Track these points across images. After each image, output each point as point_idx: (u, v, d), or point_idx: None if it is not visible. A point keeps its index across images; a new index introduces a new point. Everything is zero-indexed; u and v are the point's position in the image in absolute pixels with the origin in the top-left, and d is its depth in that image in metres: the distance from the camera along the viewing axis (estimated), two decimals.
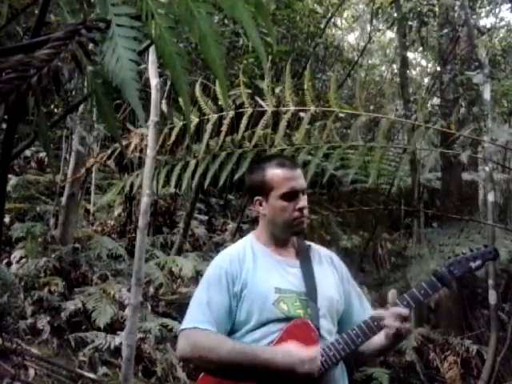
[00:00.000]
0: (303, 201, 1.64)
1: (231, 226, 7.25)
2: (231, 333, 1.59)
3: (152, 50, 2.65)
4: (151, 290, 4.81)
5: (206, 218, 7.32)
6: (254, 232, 1.75)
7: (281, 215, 1.64)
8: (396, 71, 9.47)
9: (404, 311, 1.51)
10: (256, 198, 1.69)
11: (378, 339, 1.59)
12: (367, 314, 1.66)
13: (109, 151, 3.91)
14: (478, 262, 1.63)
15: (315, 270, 1.66)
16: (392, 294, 1.56)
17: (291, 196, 1.63)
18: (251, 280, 1.58)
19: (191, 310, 1.60)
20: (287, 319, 1.55)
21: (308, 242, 1.78)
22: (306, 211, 1.65)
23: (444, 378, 4.83)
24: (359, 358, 1.89)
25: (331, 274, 1.71)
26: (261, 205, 1.68)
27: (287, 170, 1.65)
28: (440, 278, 1.59)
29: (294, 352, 1.47)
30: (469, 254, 1.64)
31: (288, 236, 1.70)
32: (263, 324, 1.55)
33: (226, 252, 1.69)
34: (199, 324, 1.53)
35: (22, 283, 4.29)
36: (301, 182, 1.66)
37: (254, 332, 1.55)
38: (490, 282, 4.19)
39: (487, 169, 4.39)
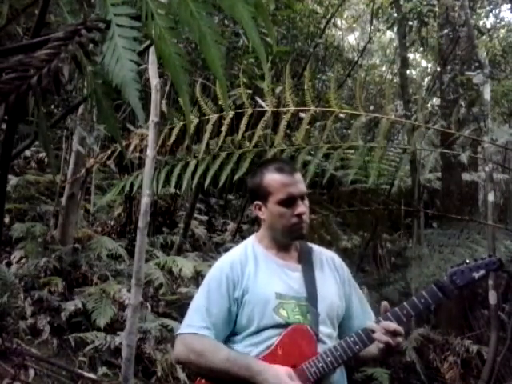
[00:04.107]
0: (302, 206, 1.61)
1: (231, 226, 7.25)
2: (231, 335, 1.60)
3: (152, 50, 2.65)
4: (151, 290, 4.81)
5: (206, 218, 7.32)
6: (256, 235, 1.75)
7: (279, 221, 1.63)
8: (396, 71, 9.46)
9: (393, 326, 1.49)
10: (255, 202, 1.68)
11: (372, 348, 1.58)
12: (368, 318, 1.66)
13: (109, 151, 3.91)
14: (482, 272, 1.58)
15: (316, 274, 1.66)
16: (384, 305, 1.56)
17: (289, 202, 1.60)
18: (252, 285, 1.58)
19: (190, 314, 1.61)
20: (286, 325, 1.55)
21: (310, 244, 1.77)
22: (305, 217, 1.62)
23: (444, 378, 4.82)
24: (355, 362, 1.88)
25: (332, 277, 1.71)
26: (260, 209, 1.67)
27: (285, 175, 1.62)
28: (441, 288, 1.56)
29: (282, 377, 1.47)
30: (472, 264, 1.59)
31: (288, 241, 1.69)
32: (263, 329, 1.55)
33: (228, 256, 1.69)
34: (197, 330, 1.55)
35: (22, 283, 4.29)
36: (299, 188, 1.63)
37: (253, 336, 1.56)
38: (490, 282, 4.18)
39: (487, 169, 4.38)
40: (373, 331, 1.51)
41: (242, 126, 3.16)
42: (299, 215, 1.61)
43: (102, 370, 3.79)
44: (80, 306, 4.18)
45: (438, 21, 6.53)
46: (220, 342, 1.57)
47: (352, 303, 1.73)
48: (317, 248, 1.78)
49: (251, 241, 1.72)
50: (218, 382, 1.55)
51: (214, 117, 3.21)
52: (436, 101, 7.78)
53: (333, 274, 1.72)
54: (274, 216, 1.63)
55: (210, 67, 0.80)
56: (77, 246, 5.00)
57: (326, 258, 1.75)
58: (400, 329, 1.51)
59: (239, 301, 1.57)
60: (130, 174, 3.93)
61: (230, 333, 1.60)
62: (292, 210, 1.61)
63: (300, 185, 1.64)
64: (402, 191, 6.69)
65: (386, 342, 1.48)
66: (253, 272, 1.61)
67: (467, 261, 1.62)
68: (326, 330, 1.60)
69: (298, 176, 1.66)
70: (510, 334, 4.35)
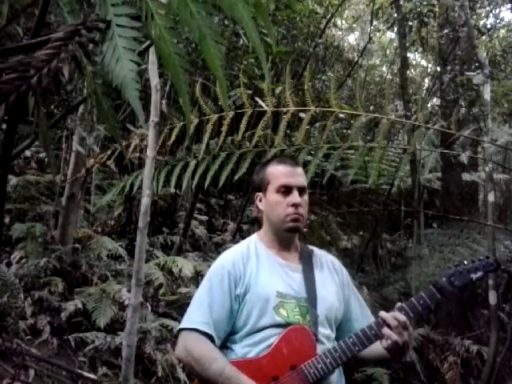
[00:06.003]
0: (297, 197, 1.63)
1: (231, 226, 7.24)
2: (230, 335, 1.60)
3: (152, 50, 2.65)
4: (151, 290, 4.81)
5: (206, 218, 7.31)
6: (258, 233, 1.75)
7: (275, 209, 1.65)
8: (396, 71, 9.46)
9: (403, 317, 1.51)
10: (257, 193, 1.72)
11: (380, 348, 1.57)
12: (367, 321, 1.66)
13: (109, 152, 3.91)
14: (479, 274, 1.61)
15: (316, 276, 1.66)
16: (381, 315, 1.57)
17: (286, 190, 1.63)
18: (254, 283, 1.58)
19: (192, 310, 1.60)
20: (286, 325, 1.55)
21: (311, 247, 1.78)
22: (301, 209, 1.64)
23: (444, 378, 4.82)
24: (359, 363, 1.88)
25: (332, 280, 1.71)
26: (260, 200, 1.71)
27: (286, 165, 1.67)
28: (439, 289, 1.58)
29: None
30: (470, 265, 1.62)
31: (283, 233, 1.68)
32: (262, 328, 1.55)
33: (230, 252, 1.69)
34: (198, 325, 1.54)
35: (22, 283, 4.28)
36: (299, 180, 1.65)
37: (252, 335, 1.55)
38: (490, 282, 4.18)
39: (487, 169, 4.38)
40: (382, 324, 1.52)
41: (242, 126, 3.16)
42: (295, 206, 1.62)
43: (102, 370, 3.79)
44: (80, 306, 4.18)
45: (438, 21, 6.53)
46: (218, 349, 1.54)
47: (351, 306, 1.73)
48: (317, 250, 1.79)
49: (253, 239, 1.73)
50: None
51: (214, 117, 3.21)
52: (436, 101, 7.77)
53: (332, 277, 1.72)
54: (271, 204, 1.66)
55: (209, 67, 0.80)
56: (77, 246, 5.00)
57: (326, 261, 1.75)
58: (408, 323, 1.52)
59: (240, 298, 1.57)
60: (130, 174, 3.93)
61: (230, 332, 1.59)
62: (288, 200, 1.63)
63: (299, 177, 1.66)
64: (402, 191, 6.69)
65: (394, 340, 1.48)
66: (254, 270, 1.61)
67: (465, 262, 1.65)
68: (324, 331, 1.60)
69: (300, 169, 1.69)
70: (510, 334, 4.35)
